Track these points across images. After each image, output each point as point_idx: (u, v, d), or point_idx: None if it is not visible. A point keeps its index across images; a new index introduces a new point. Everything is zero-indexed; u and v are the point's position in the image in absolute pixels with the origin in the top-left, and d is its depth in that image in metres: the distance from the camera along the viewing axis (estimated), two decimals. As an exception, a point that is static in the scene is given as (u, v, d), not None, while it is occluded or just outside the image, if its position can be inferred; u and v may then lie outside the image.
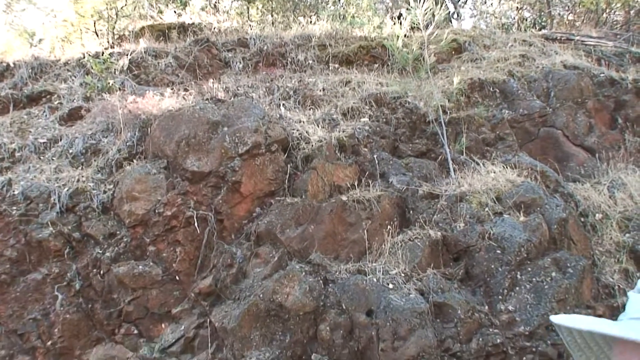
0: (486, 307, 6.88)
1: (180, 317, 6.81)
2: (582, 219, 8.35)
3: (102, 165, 7.45)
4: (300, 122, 8.42)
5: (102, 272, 6.79)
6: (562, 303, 6.86)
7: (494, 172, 8.34)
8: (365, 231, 7.32)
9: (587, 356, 1.08)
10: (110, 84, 8.62)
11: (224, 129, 7.54)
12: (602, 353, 1.06)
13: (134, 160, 7.44)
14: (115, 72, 9.32)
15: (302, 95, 9.50)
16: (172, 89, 9.24)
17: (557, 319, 1.10)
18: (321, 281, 6.76)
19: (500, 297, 6.93)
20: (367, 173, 7.95)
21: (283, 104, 8.98)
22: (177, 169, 7.32)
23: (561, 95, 10.26)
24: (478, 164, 8.53)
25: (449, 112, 9.23)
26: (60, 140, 7.97)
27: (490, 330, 6.65)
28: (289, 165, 7.65)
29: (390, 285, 6.76)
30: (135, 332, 6.68)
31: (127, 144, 7.61)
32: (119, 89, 8.97)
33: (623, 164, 9.40)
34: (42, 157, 7.74)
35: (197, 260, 7.06)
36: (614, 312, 7.11)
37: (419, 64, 9.55)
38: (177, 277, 6.96)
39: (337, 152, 8.00)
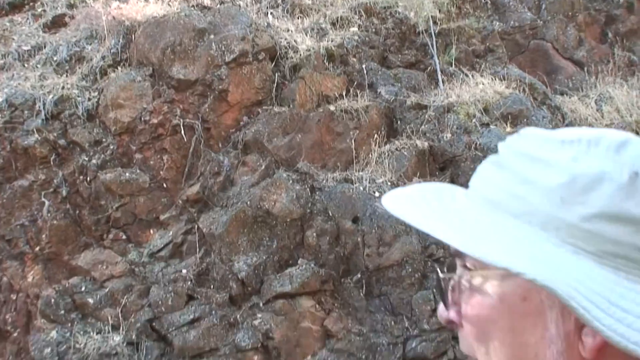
0: (470, 215, 6.97)
1: (168, 223, 6.87)
2: (569, 131, 8.39)
3: (87, 72, 7.36)
4: (288, 31, 8.29)
5: (88, 179, 6.80)
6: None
7: (483, 84, 8.32)
8: (353, 141, 7.33)
9: None
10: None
11: (210, 36, 7.43)
12: None
13: (119, 68, 7.35)
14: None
15: (290, 4, 9.30)
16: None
17: (385, 202, 0.87)
18: (308, 189, 6.81)
19: (484, 205, 7.02)
20: (355, 83, 7.89)
21: (271, 13, 8.82)
22: (162, 77, 7.25)
23: (552, 8, 10.13)
24: (467, 75, 8.48)
25: (439, 22, 9.11)
26: (44, 47, 7.84)
27: (474, 237, 6.75)
28: (276, 75, 7.59)
29: (377, 194, 6.83)
30: (124, 237, 6.76)
31: (112, 51, 7.50)
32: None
33: (611, 78, 9.37)
34: (26, 65, 7.63)
35: (184, 168, 7.08)
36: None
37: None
38: (165, 185, 6.99)
39: (325, 62, 7.92)
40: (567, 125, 8.36)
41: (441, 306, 0.86)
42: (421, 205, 0.83)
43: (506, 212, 0.79)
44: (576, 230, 0.75)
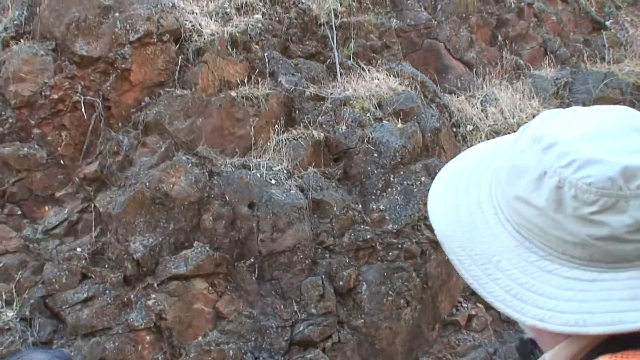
0: (360, 206, 7.39)
1: (64, 200, 6.90)
2: (454, 129, 8.95)
3: (-13, 42, 7.21)
4: (193, 13, 8.37)
5: (-16, 152, 6.72)
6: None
7: (378, 79, 8.71)
8: (252, 128, 7.55)
9: None
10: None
11: (115, 14, 7.42)
12: None
13: (22, 40, 7.24)
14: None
15: (196, -15, 9.38)
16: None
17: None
18: (207, 173, 7.00)
19: (373, 197, 7.45)
20: (257, 71, 8.10)
21: (176, -7, 8.86)
22: (65, 52, 7.21)
23: (447, 9, 10.64)
24: (364, 69, 8.85)
25: (340, 16, 9.42)
26: (-61, 11, 7.60)
27: (362, 227, 7.18)
28: (180, 57, 7.68)
29: (273, 181, 7.11)
30: (19, 212, 6.73)
31: (15, 22, 7.36)
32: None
33: (498, 80, 9.99)
34: None
35: (82, 145, 7.10)
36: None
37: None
38: (62, 162, 6.99)
39: (228, 47, 8.07)
40: (453, 124, 8.92)
41: None
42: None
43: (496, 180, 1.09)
44: (509, 204, 1.03)
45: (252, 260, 6.78)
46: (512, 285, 0.97)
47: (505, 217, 1.04)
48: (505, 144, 1.15)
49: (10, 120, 6.90)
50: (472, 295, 7.87)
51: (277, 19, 8.95)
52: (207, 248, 6.62)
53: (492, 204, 1.07)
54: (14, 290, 6.21)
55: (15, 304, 6.15)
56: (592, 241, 0.94)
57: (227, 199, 6.90)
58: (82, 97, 7.05)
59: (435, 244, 7.32)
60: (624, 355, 0.92)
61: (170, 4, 8.18)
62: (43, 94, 6.96)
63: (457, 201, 1.11)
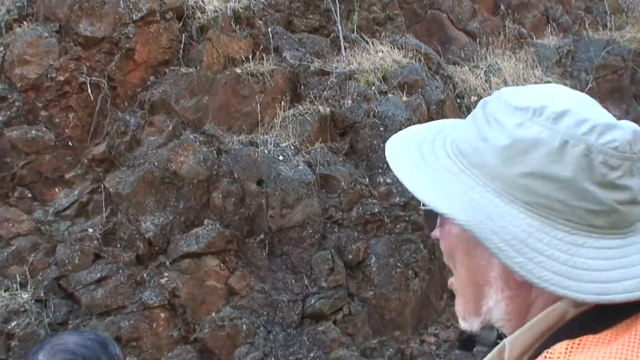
0: (367, 180, 7.44)
1: (74, 182, 6.94)
2: (459, 101, 8.95)
3: (-10, 26, 7.21)
4: (195, -10, 8.35)
5: (-7, 135, 6.76)
6: (435, 178, 7.50)
7: (382, 52, 8.70)
8: (258, 104, 7.57)
9: None
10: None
11: (118, -7, 7.41)
12: None
13: (25, 22, 7.22)
14: None
15: (196, -38, 9.33)
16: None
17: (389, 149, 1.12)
18: (215, 151, 7.04)
19: (380, 170, 7.49)
20: (261, 47, 8.09)
21: (177, -30, 8.82)
22: (69, 34, 7.20)
23: (450, -22, 10.59)
24: (368, 43, 8.84)
25: (342, -12, 9.38)
26: (-59, -4, 7.58)
27: (370, 200, 7.24)
28: (183, 35, 7.68)
29: (281, 157, 7.15)
30: (30, 195, 6.78)
31: (17, 4, 7.34)
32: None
33: (501, 50, 9.97)
34: None
35: (90, 126, 7.13)
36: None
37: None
38: (70, 143, 7.03)
39: (232, 23, 8.06)
40: (457, 96, 8.92)
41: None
42: (411, 154, 1.08)
43: (468, 162, 1.01)
44: (515, 184, 0.95)
45: (262, 236, 6.84)
46: (557, 266, 0.93)
47: (509, 198, 0.97)
48: (450, 125, 1.13)
49: (17, 104, 6.92)
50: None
51: (279, -7, 8.92)
52: (218, 225, 6.68)
53: (486, 188, 0.99)
54: (27, 273, 6.28)
55: (29, 285, 6.22)
56: (617, 206, 0.94)
57: (236, 176, 6.95)
58: (88, 78, 7.06)
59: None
60: (581, 340, 0.91)
61: (172, -19, 8.16)
62: (49, 76, 6.97)
63: (459, 185, 1.01)
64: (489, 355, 1.03)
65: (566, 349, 0.90)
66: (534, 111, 0.96)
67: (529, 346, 0.97)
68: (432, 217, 1.11)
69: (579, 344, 0.91)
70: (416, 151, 1.09)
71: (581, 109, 0.97)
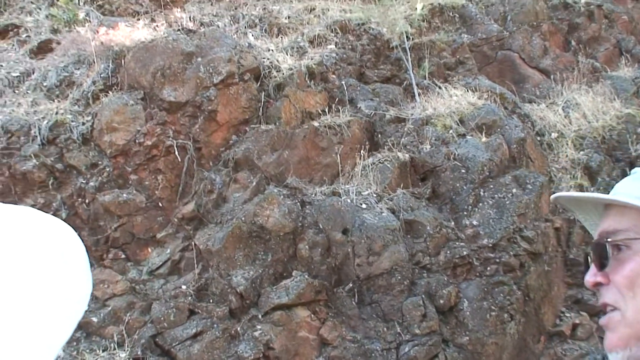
0: (452, 223, 7.38)
1: (165, 241, 7.14)
2: (539, 138, 8.85)
3: (78, 97, 7.58)
4: (269, 50, 8.62)
5: (87, 201, 7.04)
6: (522, 217, 7.39)
7: (456, 96, 8.74)
8: (338, 155, 7.68)
9: (585, 218, 1.42)
10: (78, 16, 8.65)
11: (197, 59, 7.72)
12: (594, 218, 1.39)
13: (110, 92, 7.59)
14: (79, 2, 9.32)
15: (267, 23, 9.65)
16: (138, 18, 9.30)
17: (556, 195, 1.39)
18: (299, 203, 7.14)
19: (465, 213, 7.43)
20: (336, 99, 8.25)
21: (250, 33, 9.14)
22: (154, 100, 7.52)
23: (517, 19, 10.61)
24: (441, 87, 8.90)
25: (411, 37, 9.52)
26: (33, 73, 8.04)
27: (457, 243, 7.16)
28: (262, 94, 7.91)
29: (364, 205, 7.18)
30: (123, 256, 7.01)
31: (102, 75, 7.73)
32: (85, 19, 9.00)
33: (576, 85, 9.87)
34: (16, 91, 7.82)
35: (178, 187, 7.35)
36: (571, 225, 7.69)
37: (381, -10, 9.79)
38: (160, 204, 7.25)
39: (306, 79, 8.26)
40: (537, 133, 8.83)
41: (590, 272, 1.30)
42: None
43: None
44: None
45: (351, 285, 6.84)
46: None
47: None
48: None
49: (108, 169, 7.21)
50: (574, 304, 7.72)
51: (350, 47, 9.12)
52: (306, 276, 6.72)
53: None
54: (124, 332, 6.43)
55: (126, 345, 6.36)
56: None
57: (321, 226, 7.01)
58: (174, 141, 7.33)
59: (534, 255, 7.25)
60: None
61: (247, 44, 8.46)
62: (137, 141, 7.26)
63: None
64: None
65: None
66: None
67: None
68: (600, 252, 1.29)
69: None
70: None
71: None
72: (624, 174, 8.62)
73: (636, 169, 1.34)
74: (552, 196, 1.41)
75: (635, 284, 1.21)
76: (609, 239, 1.26)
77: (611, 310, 1.26)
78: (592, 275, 1.29)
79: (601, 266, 1.28)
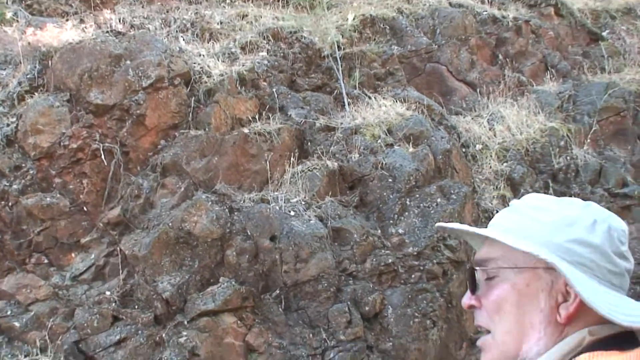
0: (379, 231, 7.51)
1: (90, 246, 7.03)
2: (464, 150, 9.09)
3: (3, 98, 7.40)
4: (200, 55, 8.59)
5: (10, 204, 6.87)
6: (446, 226, 7.56)
7: (385, 106, 8.88)
8: (267, 162, 7.71)
9: (472, 244, 1.57)
10: (6, 15, 8.44)
11: (126, 62, 7.63)
12: (478, 244, 1.52)
13: (36, 93, 7.43)
14: (7, 2, 9.10)
15: (199, 28, 9.60)
16: (67, 19, 9.13)
17: (438, 224, 1.56)
18: (227, 210, 7.14)
19: (391, 221, 7.56)
20: (267, 106, 8.28)
21: (182, 37, 9.09)
22: (80, 102, 7.40)
23: (446, 32, 10.85)
24: (370, 98, 9.03)
25: (343, 47, 9.63)
26: (-45, 72, 7.81)
27: (383, 251, 7.29)
28: (192, 99, 7.87)
29: (292, 213, 7.24)
30: (46, 261, 6.86)
31: (28, 76, 7.57)
32: (13, 19, 8.78)
33: (502, 98, 10.14)
34: (-62, 90, 7.59)
35: (104, 191, 7.25)
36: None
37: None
38: (85, 208, 7.14)
39: (237, 85, 8.27)
40: (462, 145, 9.06)
41: (466, 295, 1.46)
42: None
43: (518, 236, 1.36)
44: (561, 247, 1.32)
45: (278, 291, 6.88)
46: (607, 301, 1.28)
47: (557, 257, 1.31)
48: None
49: (31, 172, 7.06)
50: (495, 311, 7.92)
51: (281, 54, 9.17)
52: (233, 283, 6.73)
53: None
54: (47, 337, 6.31)
55: (49, 350, 6.25)
56: (624, 272, 1.35)
57: (249, 233, 7.03)
58: (101, 145, 7.23)
59: (457, 264, 7.43)
60: (596, 354, 1.24)
61: (178, 49, 8.41)
62: (62, 144, 7.14)
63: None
64: None
65: (588, 356, 1.23)
66: (570, 202, 1.43)
67: None
68: (472, 277, 1.45)
69: (595, 355, 1.23)
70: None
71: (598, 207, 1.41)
72: (547, 186, 8.95)
73: (513, 201, 1.48)
74: (436, 225, 1.61)
75: (501, 309, 1.37)
76: (478, 267, 1.43)
77: (485, 333, 1.42)
78: (467, 298, 1.45)
79: (473, 290, 1.44)
